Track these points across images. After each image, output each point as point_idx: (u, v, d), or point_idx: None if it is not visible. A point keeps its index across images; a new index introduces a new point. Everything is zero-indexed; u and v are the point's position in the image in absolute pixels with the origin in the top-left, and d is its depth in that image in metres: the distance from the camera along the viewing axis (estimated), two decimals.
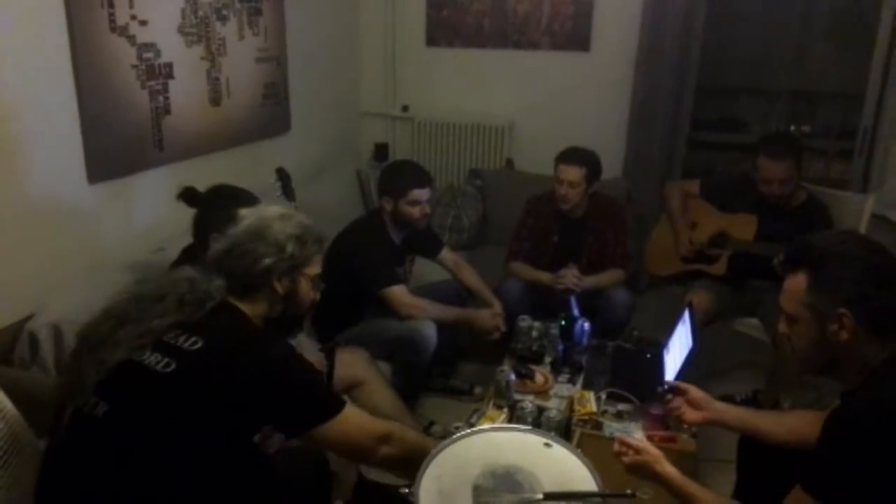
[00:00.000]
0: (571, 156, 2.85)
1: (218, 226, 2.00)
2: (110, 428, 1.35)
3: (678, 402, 1.79)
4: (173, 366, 1.37)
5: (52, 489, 1.39)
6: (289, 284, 1.57)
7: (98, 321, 1.45)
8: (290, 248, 1.55)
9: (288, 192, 2.43)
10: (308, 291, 1.63)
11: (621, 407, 2.23)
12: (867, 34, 3.53)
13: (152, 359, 1.39)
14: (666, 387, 1.86)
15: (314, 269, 1.63)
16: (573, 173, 2.82)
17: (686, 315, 2.31)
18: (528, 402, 2.12)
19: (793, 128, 4.35)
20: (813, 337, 1.38)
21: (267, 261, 1.52)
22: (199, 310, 1.45)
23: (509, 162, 4.00)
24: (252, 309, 1.54)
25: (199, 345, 1.40)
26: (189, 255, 2.09)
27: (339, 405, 1.50)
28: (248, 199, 2.06)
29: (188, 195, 2.09)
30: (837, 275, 1.35)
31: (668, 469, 1.52)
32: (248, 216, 1.60)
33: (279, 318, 1.59)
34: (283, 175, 2.46)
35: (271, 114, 3.26)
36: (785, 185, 2.70)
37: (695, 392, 1.77)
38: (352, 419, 1.52)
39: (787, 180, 2.69)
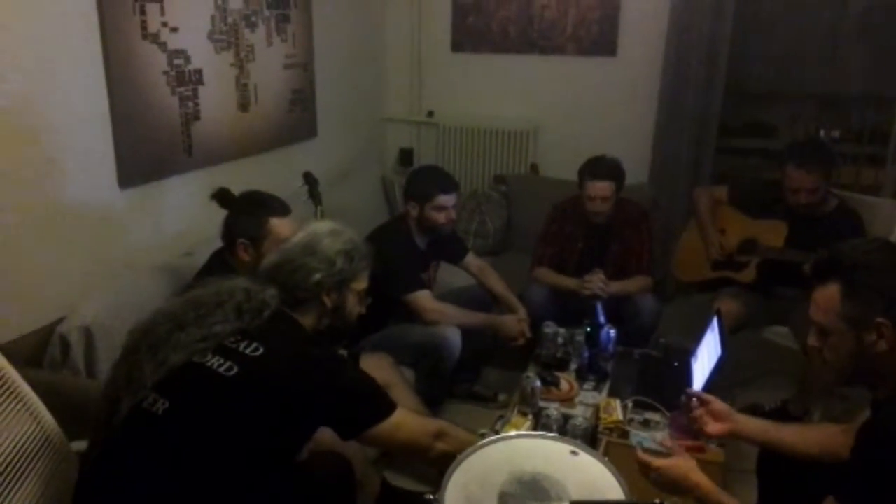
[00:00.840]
0: (600, 171, 2.81)
1: (246, 231, 2.04)
2: (170, 424, 1.40)
3: (700, 412, 1.77)
4: (235, 370, 1.43)
5: (101, 479, 1.41)
6: (337, 298, 1.64)
7: (154, 322, 1.50)
8: (339, 263, 1.62)
9: (315, 195, 2.45)
10: (355, 305, 1.71)
11: (648, 415, 2.20)
12: None
13: (214, 361, 1.44)
14: (686, 396, 1.83)
15: (361, 283, 1.70)
16: (605, 189, 2.80)
17: (714, 322, 2.28)
18: (554, 410, 2.10)
19: (822, 132, 4.27)
20: (849, 349, 1.36)
21: (317, 275, 1.60)
22: (257, 317, 1.51)
23: (534, 167, 3.99)
24: (302, 320, 1.61)
25: (260, 351, 1.46)
26: (218, 260, 2.12)
27: (393, 406, 1.58)
28: (279, 207, 2.10)
29: (221, 196, 2.13)
30: (873, 284, 1.32)
31: (703, 478, 1.49)
32: (300, 233, 1.70)
33: (325, 329, 1.65)
34: (310, 179, 2.49)
35: (298, 119, 3.29)
36: (812, 194, 2.65)
37: (717, 403, 1.74)
38: (406, 418, 1.60)
39: (814, 190, 2.63)
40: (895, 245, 1.43)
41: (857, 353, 1.34)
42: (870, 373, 1.36)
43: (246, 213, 2.08)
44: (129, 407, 1.42)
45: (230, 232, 2.08)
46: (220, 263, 2.10)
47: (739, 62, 3.78)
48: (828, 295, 1.38)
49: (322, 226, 1.71)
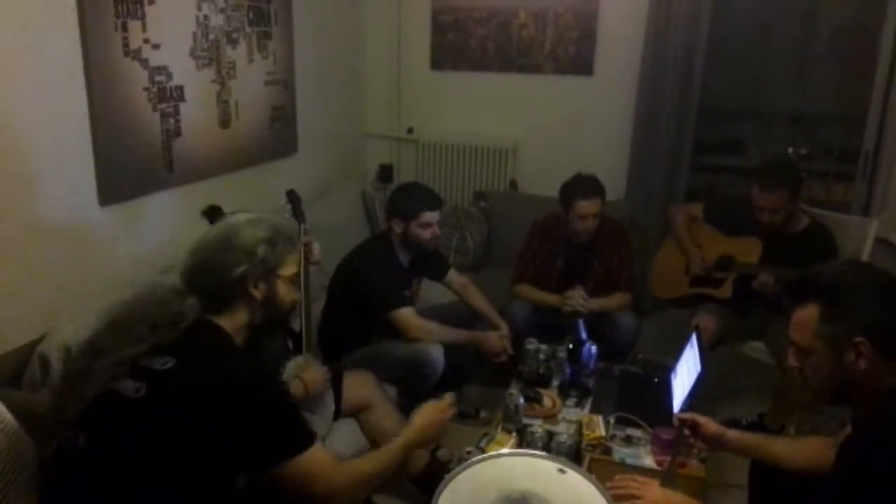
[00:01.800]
0: (591, 190, 2.84)
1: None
2: (89, 459, 1.35)
3: (692, 439, 1.81)
4: (144, 389, 1.37)
5: None
6: (266, 289, 1.55)
7: (78, 354, 1.48)
8: (261, 252, 1.53)
9: (298, 213, 2.45)
10: (287, 293, 1.61)
11: (630, 431, 2.23)
12: (867, 56, 3.57)
13: (126, 386, 1.38)
14: (677, 421, 1.86)
15: (290, 269, 1.61)
16: (596, 206, 2.83)
17: (693, 339, 2.32)
18: (538, 427, 2.12)
19: (790, 150, 4.38)
20: (829, 368, 1.38)
21: (240, 269, 1.51)
22: (171, 332, 1.44)
23: (513, 184, 4.03)
24: (233, 321, 1.53)
25: (170, 364, 1.40)
26: None
27: (311, 438, 1.46)
28: None
29: (212, 213, 2.11)
30: (850, 303, 1.36)
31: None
32: (214, 227, 1.59)
33: (262, 323, 1.58)
34: (293, 197, 2.48)
35: (279, 136, 3.29)
36: (775, 214, 2.72)
37: (708, 427, 1.77)
38: (323, 457, 1.48)
39: (777, 210, 2.71)
40: (869, 265, 1.48)
41: (837, 372, 1.37)
42: (849, 391, 1.39)
43: None
44: (54, 446, 1.39)
45: None
46: None
47: (712, 81, 3.87)
48: (806, 315, 1.41)
49: (237, 217, 1.60)
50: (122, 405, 1.37)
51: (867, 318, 1.33)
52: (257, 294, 1.54)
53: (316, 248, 2.36)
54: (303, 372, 2.11)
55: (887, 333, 1.32)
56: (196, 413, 1.36)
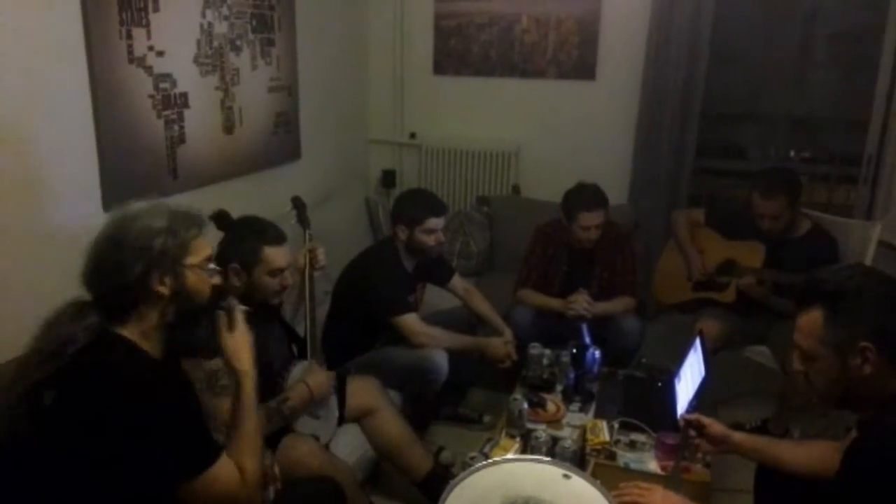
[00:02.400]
0: (593, 202, 2.83)
1: (239, 256, 2.04)
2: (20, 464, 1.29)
3: (698, 440, 1.81)
4: (31, 431, 1.28)
5: None
6: (173, 282, 1.38)
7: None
8: (158, 243, 1.36)
9: (303, 220, 2.45)
10: (200, 281, 1.43)
11: (634, 436, 2.22)
12: (869, 60, 3.58)
13: (18, 428, 1.29)
14: (683, 423, 1.86)
15: (198, 255, 1.43)
16: (599, 217, 2.83)
17: (697, 343, 2.32)
18: (542, 432, 2.12)
19: (792, 153, 4.39)
20: (834, 373, 1.39)
21: (137, 267, 1.34)
22: (57, 358, 1.30)
23: (516, 188, 4.03)
24: (140, 326, 1.38)
25: (52, 399, 1.28)
26: None
27: (216, 453, 1.38)
28: (275, 236, 2.10)
29: (220, 218, 2.11)
30: (856, 309, 1.36)
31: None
32: (106, 223, 1.41)
33: (180, 317, 1.43)
34: (298, 204, 2.49)
35: (282, 142, 3.30)
36: (775, 221, 2.73)
37: (714, 427, 1.78)
38: (223, 473, 1.37)
39: (777, 217, 2.71)
40: (874, 270, 1.48)
41: (842, 376, 1.38)
42: (854, 396, 1.40)
43: (241, 238, 2.08)
44: None
45: (223, 255, 2.06)
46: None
47: (715, 86, 3.87)
48: (811, 320, 1.42)
49: (129, 209, 1.42)
50: (16, 450, 1.29)
51: (872, 323, 1.34)
52: (164, 290, 1.37)
53: (321, 254, 2.36)
54: (308, 376, 2.12)
55: (893, 338, 1.33)
56: (87, 446, 1.27)
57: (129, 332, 1.37)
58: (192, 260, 1.41)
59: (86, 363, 1.31)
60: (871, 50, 3.57)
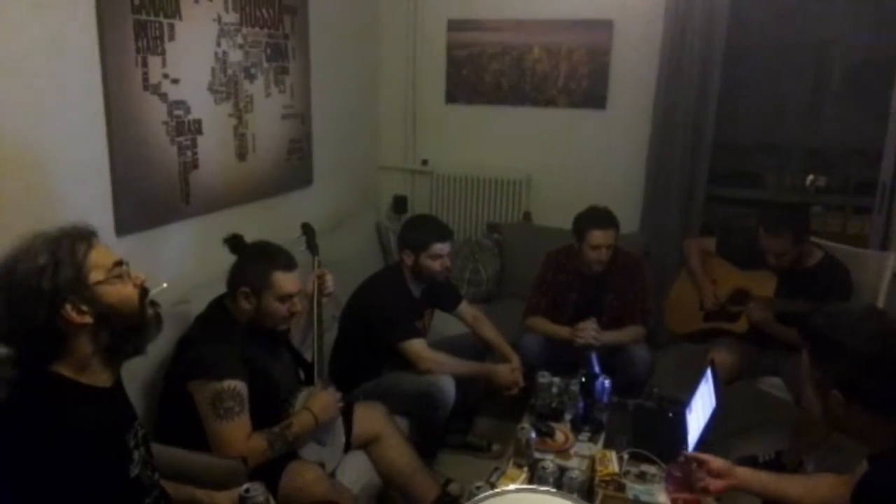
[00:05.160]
0: (604, 220, 2.84)
1: (250, 280, 2.04)
2: None
3: (701, 474, 1.78)
4: None
5: None
6: (91, 308, 1.28)
7: None
8: (46, 283, 1.24)
9: (312, 246, 2.47)
10: (119, 291, 1.32)
11: (644, 468, 2.19)
12: (883, 89, 3.57)
13: None
14: (683, 458, 1.85)
15: (101, 267, 1.31)
16: (610, 237, 2.83)
17: (709, 373, 2.29)
18: (550, 462, 2.08)
19: (810, 178, 4.36)
20: (818, 407, 1.45)
21: (39, 313, 1.24)
22: None
23: (527, 215, 4.03)
24: (75, 358, 1.29)
25: None
26: (218, 307, 2.13)
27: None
28: (286, 262, 2.11)
29: (233, 242, 2.13)
30: (830, 357, 1.42)
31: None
32: None
33: (119, 335, 1.33)
34: (307, 230, 2.51)
35: (295, 168, 3.33)
36: (780, 258, 2.71)
37: (714, 462, 1.76)
38: None
39: (781, 253, 2.70)
40: (871, 316, 1.45)
41: (825, 413, 1.43)
42: (845, 431, 1.42)
43: (252, 262, 2.09)
44: None
45: (234, 278, 2.08)
46: (220, 310, 2.11)
47: (727, 113, 3.87)
48: (804, 356, 1.49)
49: (6, 256, 1.29)
50: None
51: (842, 375, 1.38)
52: (86, 318, 1.27)
53: (329, 280, 2.38)
54: (311, 401, 2.10)
55: (859, 392, 1.37)
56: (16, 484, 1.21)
57: (62, 367, 1.28)
58: (96, 276, 1.29)
59: (11, 408, 1.24)
60: (885, 79, 3.56)
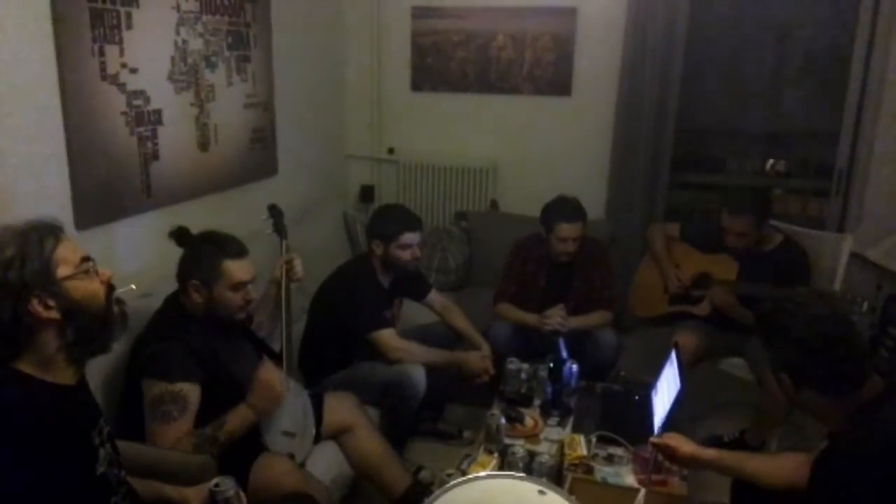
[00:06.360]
0: (573, 213, 2.87)
1: (199, 272, 1.99)
2: None
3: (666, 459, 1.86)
4: None
5: None
6: (58, 302, 1.28)
7: None
8: (13, 275, 1.24)
9: (280, 229, 2.38)
10: (86, 286, 1.32)
11: (612, 450, 2.22)
12: (840, 75, 3.65)
13: None
14: (651, 447, 1.91)
15: (68, 263, 1.31)
16: (578, 229, 2.86)
17: (673, 356, 2.33)
18: (520, 448, 2.11)
19: (770, 163, 4.45)
20: (774, 387, 1.55)
21: (5, 307, 1.24)
22: None
23: (494, 203, 4.05)
24: (39, 355, 1.29)
25: None
26: (173, 303, 2.08)
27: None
28: (235, 249, 2.05)
29: (179, 234, 2.07)
30: (776, 342, 1.49)
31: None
32: None
33: (85, 332, 1.32)
34: (274, 212, 2.42)
35: (259, 157, 3.29)
36: (740, 238, 2.77)
37: (681, 449, 1.81)
38: None
39: (742, 234, 2.75)
40: (817, 306, 1.53)
41: (783, 393, 1.50)
42: (803, 409, 1.48)
43: (201, 254, 2.03)
44: None
45: (184, 272, 2.03)
46: (174, 306, 2.06)
47: (689, 99, 3.93)
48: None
49: None
50: None
51: (789, 360, 1.46)
52: (53, 314, 1.27)
53: (298, 265, 2.31)
54: (250, 394, 1.95)
55: (806, 375, 1.44)
56: None
57: (26, 364, 1.27)
58: (64, 271, 1.29)
59: None
60: (842, 64, 3.64)
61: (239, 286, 2.02)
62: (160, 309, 2.09)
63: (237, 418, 1.93)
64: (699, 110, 4.29)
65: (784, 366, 1.46)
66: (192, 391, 1.88)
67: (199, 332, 1.99)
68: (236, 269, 2.02)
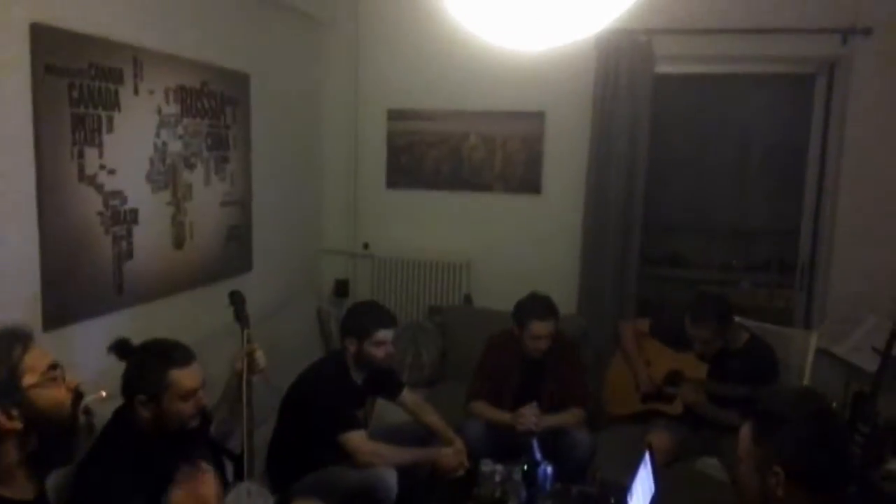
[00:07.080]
0: (545, 311, 2.91)
1: (144, 386, 1.88)
2: None
3: None
4: None
5: None
6: (22, 411, 1.28)
7: None
8: None
9: (241, 317, 2.29)
10: (51, 395, 1.32)
11: None
12: (798, 172, 3.81)
13: None
14: None
15: (35, 371, 1.32)
16: (550, 327, 2.90)
17: (647, 457, 2.32)
18: None
19: (735, 262, 4.59)
20: (756, 486, 1.46)
21: None
22: None
23: (468, 298, 4.08)
24: (0, 465, 1.28)
25: None
26: (120, 419, 1.95)
27: None
28: (181, 357, 1.95)
29: (119, 347, 1.95)
30: (775, 434, 1.45)
31: None
32: None
33: (47, 442, 1.31)
34: (235, 299, 2.34)
35: (234, 254, 3.31)
36: (706, 344, 2.82)
37: None
38: None
39: (707, 340, 2.80)
40: (810, 398, 1.55)
41: (762, 492, 1.45)
42: None
43: (144, 366, 1.92)
44: None
45: (129, 387, 1.92)
46: (122, 423, 1.94)
47: (656, 196, 4.07)
48: (744, 431, 1.51)
49: None
50: None
51: (788, 453, 1.42)
52: (16, 424, 1.27)
53: (260, 356, 2.22)
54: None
55: (801, 469, 1.40)
56: None
57: None
58: (30, 380, 1.29)
59: None
60: (799, 162, 3.80)
61: (188, 395, 1.91)
62: (107, 426, 1.95)
63: None
64: (665, 207, 4.45)
65: (780, 458, 1.41)
66: None
67: (148, 452, 1.86)
68: (184, 377, 1.91)
